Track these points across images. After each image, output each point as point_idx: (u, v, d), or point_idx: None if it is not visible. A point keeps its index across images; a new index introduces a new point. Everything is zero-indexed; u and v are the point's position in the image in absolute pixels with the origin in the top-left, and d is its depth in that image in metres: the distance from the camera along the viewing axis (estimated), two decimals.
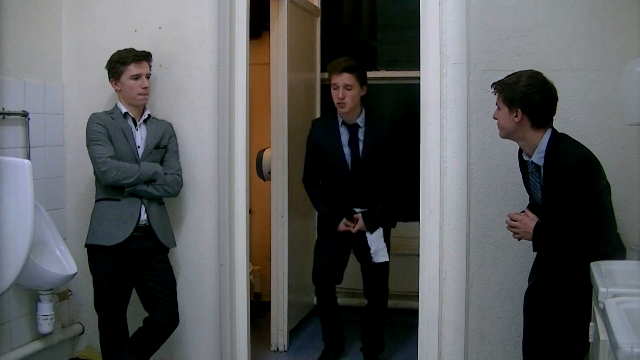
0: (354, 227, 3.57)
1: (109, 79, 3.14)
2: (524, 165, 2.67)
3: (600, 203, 2.47)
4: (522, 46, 2.98)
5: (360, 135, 3.57)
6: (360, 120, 3.58)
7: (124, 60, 3.09)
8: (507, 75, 2.57)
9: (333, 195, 3.65)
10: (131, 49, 3.14)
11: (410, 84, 4.39)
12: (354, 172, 3.58)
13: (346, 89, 3.47)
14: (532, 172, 2.60)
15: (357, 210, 3.61)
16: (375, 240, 3.58)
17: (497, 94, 2.57)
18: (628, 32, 2.88)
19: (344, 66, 3.49)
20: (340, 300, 3.92)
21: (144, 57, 3.14)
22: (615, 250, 2.50)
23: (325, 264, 3.71)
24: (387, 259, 3.61)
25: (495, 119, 2.60)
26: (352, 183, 3.59)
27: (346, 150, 3.58)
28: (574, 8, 2.95)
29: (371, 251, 3.57)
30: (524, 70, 2.56)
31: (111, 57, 3.13)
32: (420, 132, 3.12)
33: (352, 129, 3.58)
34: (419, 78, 3.13)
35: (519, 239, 2.66)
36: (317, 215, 3.78)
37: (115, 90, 3.15)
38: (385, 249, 3.60)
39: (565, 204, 2.47)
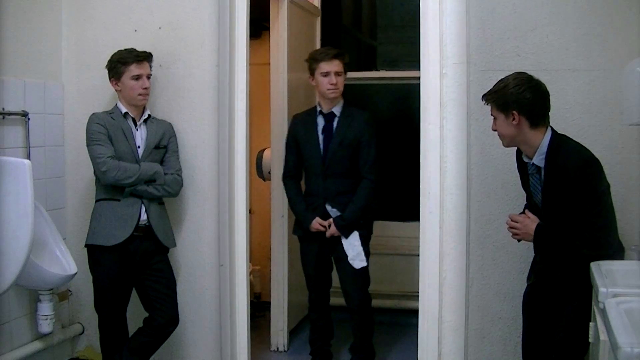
0: (327, 230, 3.52)
1: (110, 78, 3.14)
2: (523, 167, 2.67)
3: (602, 204, 2.47)
4: (522, 46, 2.98)
5: (335, 124, 3.57)
6: (337, 110, 3.58)
7: (125, 60, 3.09)
8: (494, 84, 2.58)
9: (309, 192, 3.63)
10: (132, 49, 3.14)
11: (410, 84, 4.40)
12: (327, 160, 3.54)
13: (337, 75, 3.50)
14: (533, 173, 2.60)
15: (330, 208, 3.54)
16: (352, 246, 3.52)
17: (489, 104, 2.57)
18: (628, 32, 2.88)
19: (334, 53, 3.53)
20: (339, 300, 3.91)
21: (145, 57, 3.14)
22: (614, 250, 2.50)
23: (313, 274, 3.68)
24: (365, 264, 3.53)
25: (495, 130, 2.60)
26: (326, 174, 3.54)
27: (320, 137, 3.57)
28: (574, 8, 2.95)
29: (349, 257, 3.51)
30: (507, 75, 2.57)
31: (112, 57, 3.13)
32: (419, 132, 3.12)
33: (328, 117, 3.58)
34: (419, 78, 3.13)
35: (519, 240, 2.66)
36: (295, 219, 3.74)
37: (116, 90, 3.15)
38: (363, 254, 3.52)
39: (566, 205, 2.47)
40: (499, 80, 2.57)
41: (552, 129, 2.55)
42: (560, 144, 2.52)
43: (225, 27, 3.31)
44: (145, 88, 3.12)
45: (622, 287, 2.10)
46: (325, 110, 3.59)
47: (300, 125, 3.66)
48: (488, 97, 2.57)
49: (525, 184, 2.69)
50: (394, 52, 5.57)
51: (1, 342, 3.15)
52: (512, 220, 2.61)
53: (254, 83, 3.60)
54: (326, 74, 3.50)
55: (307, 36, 4.51)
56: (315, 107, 3.65)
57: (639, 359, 1.58)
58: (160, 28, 3.37)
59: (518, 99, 2.48)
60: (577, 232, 2.46)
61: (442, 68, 3.04)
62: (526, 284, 2.78)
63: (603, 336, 1.93)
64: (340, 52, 3.57)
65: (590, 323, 2.26)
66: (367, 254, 3.58)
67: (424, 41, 3.09)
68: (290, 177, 3.69)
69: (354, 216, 3.52)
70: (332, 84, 3.49)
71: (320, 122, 3.60)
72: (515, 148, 2.69)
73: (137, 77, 3.09)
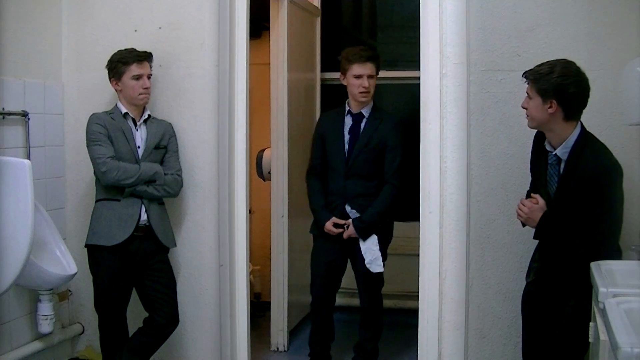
0: (344, 232, 3.50)
1: (110, 78, 3.14)
2: (542, 153, 2.62)
3: (613, 212, 2.46)
4: (522, 46, 2.98)
5: (363, 124, 3.56)
6: (366, 111, 3.57)
7: (125, 60, 3.09)
8: (539, 64, 2.52)
9: (330, 192, 3.60)
10: (132, 49, 3.14)
11: (410, 84, 4.39)
12: (350, 161, 3.52)
13: (370, 78, 3.48)
14: (552, 164, 2.57)
15: (349, 209, 3.53)
16: (370, 250, 3.50)
17: (528, 83, 2.51)
18: (628, 32, 2.88)
19: (368, 55, 3.49)
20: (341, 301, 3.91)
21: (146, 57, 3.14)
22: (611, 255, 2.49)
23: (323, 274, 3.65)
24: (382, 270, 3.51)
25: (525, 108, 2.55)
26: (348, 175, 3.52)
27: (346, 137, 3.56)
28: (574, 8, 2.95)
29: (366, 261, 3.49)
30: (556, 60, 2.51)
31: (112, 57, 3.13)
32: (420, 132, 3.12)
33: (356, 117, 3.57)
34: (419, 78, 3.13)
35: (523, 225, 2.65)
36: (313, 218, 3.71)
37: (116, 90, 3.15)
38: (380, 259, 3.50)
39: (578, 204, 2.46)
40: (546, 62, 2.50)
41: (582, 125, 2.53)
42: (587, 143, 2.49)
43: (225, 27, 3.31)
44: (146, 88, 3.12)
45: (622, 287, 2.10)
46: (354, 111, 3.57)
47: (328, 123, 3.65)
48: (530, 77, 2.50)
49: (537, 169, 2.66)
50: (394, 52, 5.56)
51: (1, 342, 3.15)
52: (521, 203, 2.60)
53: (254, 83, 3.59)
54: (359, 77, 3.47)
55: (307, 36, 4.52)
56: (344, 106, 3.62)
57: (639, 359, 1.58)
58: (160, 28, 3.37)
59: (561, 90, 2.43)
60: (581, 232, 2.45)
61: (442, 68, 3.04)
62: (525, 283, 2.78)
63: (603, 336, 1.93)
64: (374, 54, 3.53)
65: (590, 323, 2.25)
66: (384, 257, 3.56)
67: (424, 41, 3.09)
68: (314, 175, 3.66)
69: (372, 219, 3.49)
70: (364, 87, 3.46)
71: (348, 121, 3.58)
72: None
73: (138, 77, 3.09)
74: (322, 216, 3.55)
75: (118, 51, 3.14)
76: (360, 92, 3.48)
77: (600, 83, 2.90)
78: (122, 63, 3.09)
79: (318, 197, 3.62)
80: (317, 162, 3.65)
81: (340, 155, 3.55)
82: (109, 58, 3.14)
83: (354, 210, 3.53)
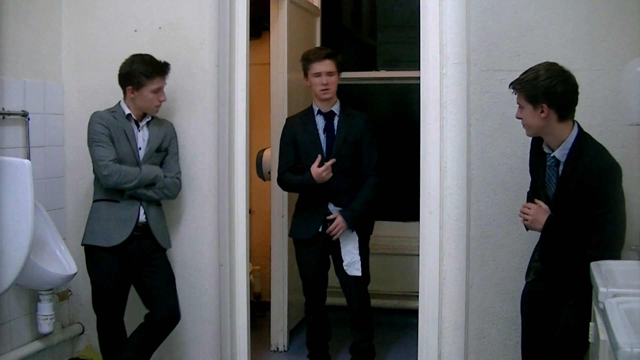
0: (331, 227, 3.47)
1: (126, 85, 3.06)
2: (540, 155, 2.63)
3: (616, 211, 2.46)
4: (522, 46, 2.98)
5: (336, 123, 3.56)
6: (336, 108, 3.58)
7: (149, 74, 3.02)
8: (523, 72, 2.53)
9: (311, 192, 3.55)
10: (152, 59, 3.06)
11: (410, 84, 4.40)
12: (332, 157, 3.47)
13: (329, 75, 3.49)
14: (551, 166, 2.57)
15: (332, 207, 3.51)
16: (349, 252, 3.50)
17: (516, 93, 2.52)
18: (628, 32, 2.88)
19: (326, 53, 3.52)
20: (336, 300, 3.91)
21: (168, 70, 3.11)
22: (615, 257, 2.50)
23: (313, 277, 3.64)
24: (360, 274, 3.50)
25: (519, 118, 2.56)
26: (332, 171, 3.45)
27: (322, 137, 3.56)
28: (574, 8, 2.95)
29: (344, 263, 3.50)
30: (538, 64, 2.51)
31: (132, 66, 3.03)
32: (419, 132, 3.12)
33: (328, 116, 3.57)
34: (419, 78, 3.13)
35: (527, 229, 2.64)
36: (292, 223, 3.71)
37: (129, 97, 3.08)
38: (359, 262, 3.50)
39: (580, 204, 2.46)
40: (529, 69, 2.51)
41: (578, 125, 2.53)
42: (586, 143, 2.50)
43: (225, 27, 3.31)
44: (162, 100, 3.10)
45: (622, 287, 2.10)
46: (324, 110, 3.58)
47: (298, 126, 3.62)
48: (517, 86, 2.51)
49: (536, 171, 2.66)
50: (394, 52, 5.57)
51: (1, 342, 3.15)
52: (525, 206, 2.59)
53: (254, 83, 3.59)
54: (318, 75, 3.49)
55: (307, 36, 4.52)
56: (311, 108, 3.63)
57: (639, 359, 1.58)
58: (160, 28, 3.37)
59: (549, 92, 2.43)
60: (584, 232, 2.45)
61: (442, 68, 3.04)
62: (525, 282, 2.78)
63: (603, 336, 1.93)
64: (332, 52, 3.55)
65: (590, 323, 2.26)
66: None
67: (424, 41, 3.09)
68: (285, 172, 3.62)
69: (361, 208, 3.49)
70: (323, 85, 3.48)
71: (321, 121, 3.58)
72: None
73: (157, 90, 3.07)
74: (307, 174, 3.43)
75: (138, 59, 3.04)
76: (321, 90, 3.49)
77: (600, 83, 2.90)
78: (146, 76, 3.01)
79: (297, 177, 3.54)
80: (291, 166, 3.60)
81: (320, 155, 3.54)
82: (124, 61, 3.06)
83: (339, 208, 3.52)
